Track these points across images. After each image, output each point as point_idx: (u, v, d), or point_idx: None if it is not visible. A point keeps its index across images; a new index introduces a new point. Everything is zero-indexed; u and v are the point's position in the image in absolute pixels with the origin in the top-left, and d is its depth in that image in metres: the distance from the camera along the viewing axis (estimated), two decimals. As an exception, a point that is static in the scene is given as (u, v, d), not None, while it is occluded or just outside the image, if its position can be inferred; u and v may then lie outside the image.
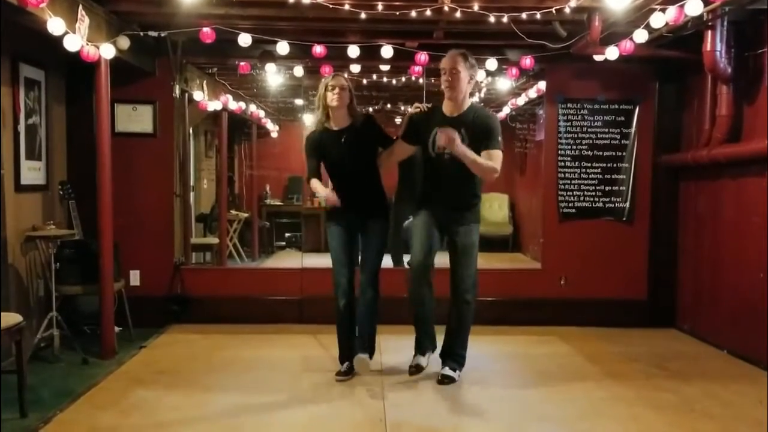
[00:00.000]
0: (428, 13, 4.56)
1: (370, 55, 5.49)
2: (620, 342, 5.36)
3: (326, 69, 5.86)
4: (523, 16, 4.61)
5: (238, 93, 7.85)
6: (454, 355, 4.33)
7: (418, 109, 4.27)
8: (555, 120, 5.97)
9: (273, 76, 6.67)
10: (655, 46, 5.10)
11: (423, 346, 4.44)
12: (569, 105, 5.96)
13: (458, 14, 4.55)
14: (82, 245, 5.11)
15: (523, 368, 4.67)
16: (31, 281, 5.00)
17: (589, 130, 5.98)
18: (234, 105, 7.61)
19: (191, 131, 7.42)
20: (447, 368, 4.27)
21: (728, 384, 4.31)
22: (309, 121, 9.21)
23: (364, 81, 6.56)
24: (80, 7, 4.29)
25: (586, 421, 3.64)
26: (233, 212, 8.85)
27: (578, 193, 5.99)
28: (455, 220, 4.19)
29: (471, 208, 4.24)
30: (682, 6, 4.21)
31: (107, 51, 4.64)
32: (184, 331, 5.59)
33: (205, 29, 4.96)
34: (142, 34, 5.12)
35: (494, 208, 9.56)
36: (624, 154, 5.98)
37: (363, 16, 4.57)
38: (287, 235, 9.66)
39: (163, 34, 5.16)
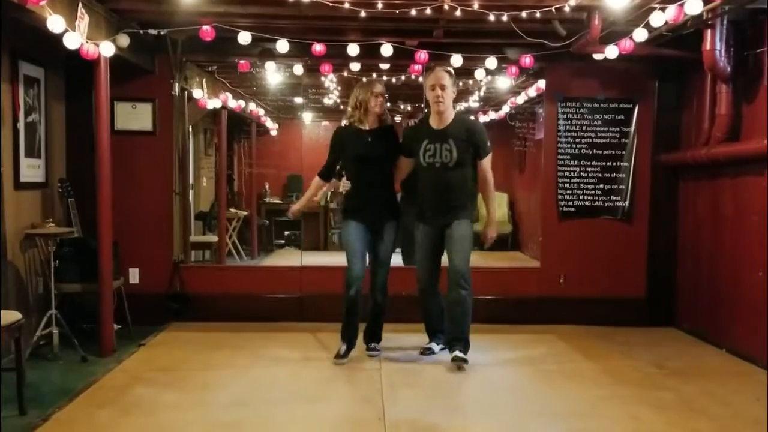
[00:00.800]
0: (428, 11, 4.56)
1: (369, 54, 5.49)
2: (619, 341, 5.36)
3: (326, 67, 5.88)
4: (523, 14, 4.61)
5: (237, 91, 7.85)
6: (460, 341, 4.52)
7: (407, 126, 4.79)
8: (554, 119, 5.97)
9: (272, 75, 6.67)
10: (655, 45, 5.09)
11: (435, 335, 4.78)
12: (569, 104, 5.96)
13: (458, 13, 4.54)
14: (82, 243, 5.11)
15: (522, 366, 4.67)
16: (30, 279, 5.00)
17: (588, 128, 5.97)
18: (233, 103, 7.61)
19: (191, 129, 7.42)
20: (457, 351, 4.47)
21: (727, 382, 4.31)
22: (309, 119, 9.27)
23: (364, 79, 6.53)
24: (80, 4, 4.28)
25: (584, 419, 3.65)
26: (232, 210, 8.85)
27: (578, 191, 5.99)
28: (449, 219, 4.52)
29: (465, 208, 4.56)
30: (681, 5, 4.21)
31: (107, 49, 4.64)
32: (183, 329, 5.59)
33: (205, 27, 4.95)
34: (141, 32, 5.11)
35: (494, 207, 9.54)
36: (623, 152, 5.98)
37: (363, 14, 4.56)
38: (286, 233, 9.65)
39: (162, 32, 5.15)
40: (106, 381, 4.23)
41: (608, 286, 5.91)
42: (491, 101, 8.51)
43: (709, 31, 4.68)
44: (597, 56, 5.25)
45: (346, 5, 4.46)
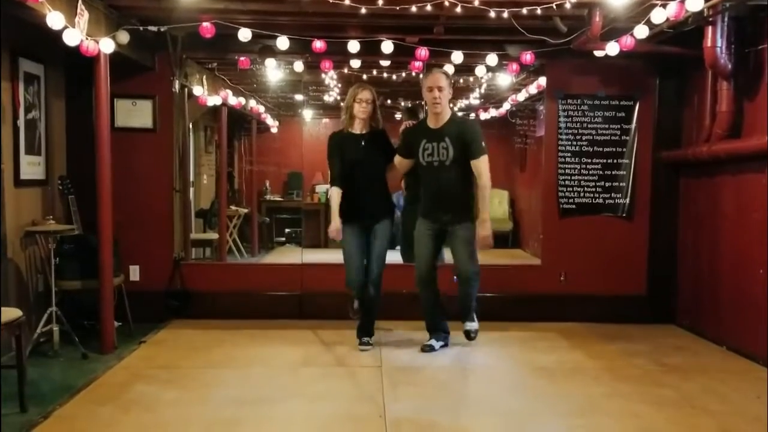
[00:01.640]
0: (429, 8, 4.54)
1: (370, 51, 5.48)
2: (620, 338, 5.36)
3: (326, 64, 5.87)
4: (524, 11, 4.60)
5: (237, 88, 7.84)
6: (470, 312, 4.76)
7: (406, 126, 4.90)
8: (555, 116, 5.97)
9: (273, 72, 6.66)
10: (656, 42, 5.09)
11: (436, 332, 4.83)
12: (569, 101, 5.95)
13: (459, 9, 4.53)
14: (82, 240, 5.10)
15: (523, 364, 4.67)
16: (30, 276, 5.00)
17: (589, 125, 5.97)
18: (234, 100, 7.60)
19: (191, 126, 7.41)
20: (467, 323, 4.75)
21: (727, 380, 4.31)
22: (309, 116, 9.27)
23: (364, 76, 6.54)
24: (80, 1, 4.27)
25: (585, 416, 3.65)
26: (233, 208, 8.85)
27: (578, 189, 5.99)
28: (452, 220, 4.61)
29: (465, 207, 4.64)
30: (682, 2, 4.20)
31: (107, 45, 4.63)
32: (183, 326, 5.59)
33: (205, 24, 4.95)
34: (141, 28, 5.11)
35: (494, 204, 9.53)
36: (624, 150, 5.97)
37: (363, 11, 4.55)
38: (287, 230, 9.65)
39: (162, 29, 5.15)
40: (107, 378, 4.23)
41: (609, 284, 5.91)
42: (492, 98, 8.50)
43: (710, 28, 4.68)
44: (598, 53, 5.24)
45: (347, 2, 4.46)
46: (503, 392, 4.06)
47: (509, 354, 4.91)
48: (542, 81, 6.36)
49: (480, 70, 6.08)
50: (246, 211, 9.01)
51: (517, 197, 9.60)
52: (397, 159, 4.84)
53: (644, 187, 5.97)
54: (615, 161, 5.97)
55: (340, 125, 4.93)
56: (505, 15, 4.65)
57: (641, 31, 4.68)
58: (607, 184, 5.98)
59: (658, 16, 4.40)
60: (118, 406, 3.73)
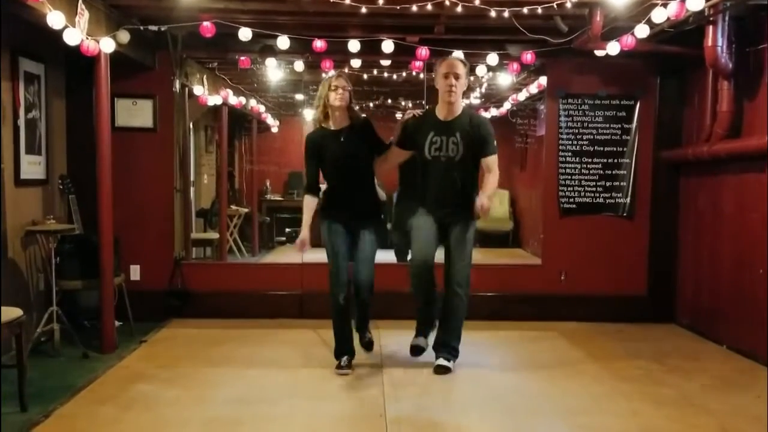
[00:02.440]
0: (429, 7, 4.55)
1: (370, 50, 5.49)
2: (620, 337, 5.36)
3: (327, 64, 5.86)
4: (524, 10, 4.60)
5: (238, 88, 7.84)
6: (448, 347, 4.41)
7: (412, 116, 4.39)
8: (556, 115, 5.97)
9: (273, 71, 6.66)
10: (657, 42, 5.09)
11: (424, 329, 4.52)
12: (570, 100, 5.95)
13: (459, 9, 4.53)
14: (83, 240, 5.11)
15: (523, 363, 4.67)
16: (31, 276, 5.00)
17: (589, 125, 5.97)
18: (234, 100, 7.60)
19: (191, 126, 7.41)
20: (441, 359, 4.37)
21: (727, 379, 4.31)
22: (309, 116, 9.23)
23: (365, 76, 6.55)
24: (80, 0, 4.27)
25: (585, 415, 3.65)
26: (233, 207, 8.85)
27: (579, 188, 5.99)
28: (452, 217, 4.32)
29: (467, 205, 4.30)
30: (683, 1, 4.20)
31: (107, 45, 4.63)
32: (184, 325, 5.60)
33: (205, 23, 4.95)
34: (142, 28, 5.11)
35: (494, 204, 9.49)
36: (625, 149, 5.97)
37: (363, 10, 4.55)
38: (287, 230, 9.65)
39: (163, 28, 5.15)
40: (107, 377, 4.24)
41: (609, 283, 5.91)
42: (492, 98, 8.50)
43: (710, 28, 4.68)
44: (598, 53, 5.24)
45: (347, 1, 4.46)
46: (504, 392, 4.05)
47: (510, 354, 4.91)
48: (543, 80, 6.36)
49: (480, 70, 6.08)
50: (246, 210, 9.01)
51: (518, 197, 9.60)
52: (395, 150, 4.39)
53: (645, 186, 5.97)
54: (616, 161, 5.97)
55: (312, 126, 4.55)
56: (506, 14, 4.65)
57: (642, 31, 4.68)
58: (608, 184, 5.98)
59: (659, 15, 4.40)
60: (119, 405, 3.73)
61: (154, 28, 5.13)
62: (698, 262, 5.62)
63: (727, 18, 4.67)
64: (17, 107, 4.75)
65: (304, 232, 4.37)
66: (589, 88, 5.95)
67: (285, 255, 8.89)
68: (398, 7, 4.56)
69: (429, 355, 4.66)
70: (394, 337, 4.99)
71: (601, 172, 5.98)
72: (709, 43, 4.70)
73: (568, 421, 3.57)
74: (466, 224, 4.33)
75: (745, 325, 4.85)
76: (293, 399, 3.87)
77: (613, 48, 4.98)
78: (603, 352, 4.94)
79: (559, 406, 3.81)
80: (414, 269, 4.34)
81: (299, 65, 6.05)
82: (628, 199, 5.98)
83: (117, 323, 5.08)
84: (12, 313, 3.62)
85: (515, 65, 5.87)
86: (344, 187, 4.39)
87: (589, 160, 5.98)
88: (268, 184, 9.97)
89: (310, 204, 4.40)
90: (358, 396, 3.94)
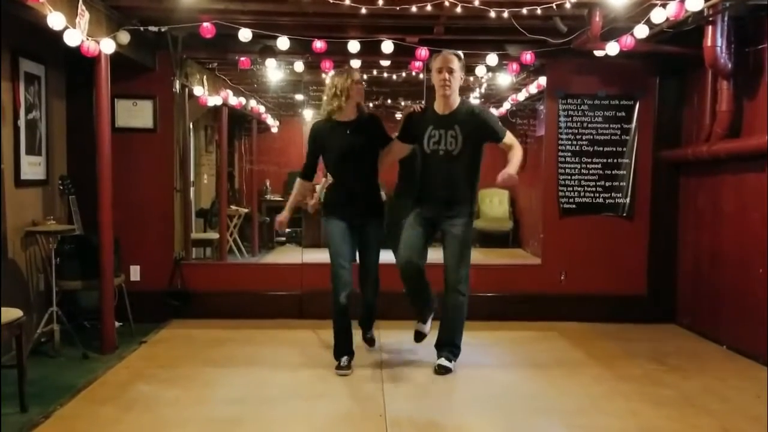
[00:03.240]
0: (429, 8, 4.55)
1: (370, 51, 5.49)
2: (620, 337, 5.36)
3: (327, 64, 5.86)
4: (524, 11, 4.61)
5: (238, 88, 7.84)
6: (450, 346, 4.41)
7: (416, 108, 4.39)
8: (555, 115, 5.97)
9: (273, 72, 6.66)
10: (656, 42, 5.09)
11: (423, 314, 4.51)
12: (570, 100, 5.96)
13: (459, 9, 4.53)
14: (83, 240, 5.11)
15: (523, 363, 4.67)
16: (31, 276, 5.00)
17: (589, 125, 5.97)
18: (234, 100, 7.60)
19: (191, 126, 7.42)
20: (443, 359, 4.36)
21: (727, 379, 4.32)
22: (309, 116, 9.25)
23: (365, 76, 6.54)
24: (80, 1, 4.27)
25: (585, 415, 3.65)
26: (233, 207, 8.85)
27: (578, 188, 5.99)
28: (449, 214, 4.30)
29: (466, 202, 4.32)
30: (682, 1, 4.21)
31: (107, 46, 4.63)
32: (184, 326, 5.60)
33: (205, 24, 4.95)
34: (142, 29, 5.11)
35: (494, 204, 9.55)
36: (624, 149, 5.97)
37: (363, 11, 4.56)
38: (287, 230, 9.65)
39: (163, 29, 5.15)
40: (108, 378, 4.24)
41: (609, 283, 5.91)
42: (492, 98, 8.50)
43: (710, 28, 4.68)
44: (598, 53, 5.24)
45: (347, 2, 4.46)
46: (504, 391, 4.05)
47: (509, 353, 4.91)
48: (542, 81, 6.36)
49: (480, 70, 6.08)
50: (246, 210, 9.01)
51: (518, 197, 9.59)
52: (397, 143, 4.40)
53: (644, 186, 5.97)
54: (615, 161, 5.98)
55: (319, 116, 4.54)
56: (506, 15, 4.65)
57: (641, 31, 4.69)
58: (608, 184, 5.99)
59: (658, 15, 4.41)
60: (119, 405, 3.73)
61: (154, 29, 5.13)
62: (698, 261, 5.63)
63: (726, 18, 4.67)
64: (17, 108, 4.75)
65: (284, 213, 4.55)
66: (589, 89, 5.95)
67: (285, 255, 8.91)
68: (398, 8, 4.57)
69: (429, 355, 4.67)
70: (394, 337, 4.99)
71: (601, 172, 5.98)
72: (709, 43, 4.71)
73: (568, 421, 3.58)
74: (463, 223, 4.30)
75: (745, 325, 4.85)
76: (293, 399, 3.88)
77: (612, 48, 4.99)
78: (603, 352, 4.94)
79: (559, 406, 3.81)
80: (399, 268, 4.35)
81: (299, 66, 6.06)
82: (628, 199, 5.98)
83: (117, 324, 5.08)
84: (12, 313, 3.62)
85: (515, 65, 5.87)
86: (348, 180, 4.37)
87: (589, 160, 5.98)
88: (267, 184, 9.97)
89: (300, 187, 4.54)
90: (358, 396, 3.94)
